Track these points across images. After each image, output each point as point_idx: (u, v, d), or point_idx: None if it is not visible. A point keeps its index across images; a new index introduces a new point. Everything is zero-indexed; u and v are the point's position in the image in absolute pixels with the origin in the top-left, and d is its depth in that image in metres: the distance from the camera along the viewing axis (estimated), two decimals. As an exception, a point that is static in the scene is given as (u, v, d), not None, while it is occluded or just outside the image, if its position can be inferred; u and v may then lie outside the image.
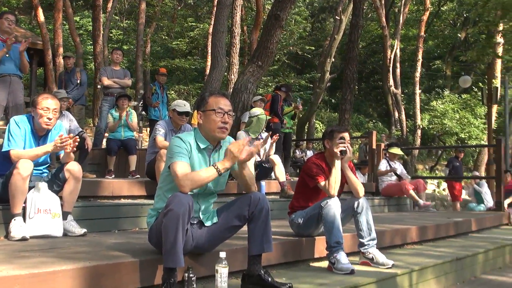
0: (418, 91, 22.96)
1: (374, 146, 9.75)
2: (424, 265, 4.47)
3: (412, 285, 4.25)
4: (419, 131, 22.45)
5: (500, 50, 17.14)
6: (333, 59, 21.51)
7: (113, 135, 7.69)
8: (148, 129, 11.82)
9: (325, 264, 4.23)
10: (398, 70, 23.40)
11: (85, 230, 4.12)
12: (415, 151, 21.86)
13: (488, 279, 5.22)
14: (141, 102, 10.78)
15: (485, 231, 7.53)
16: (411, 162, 21.02)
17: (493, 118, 18.61)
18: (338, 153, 4.25)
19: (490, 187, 12.62)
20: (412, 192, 8.51)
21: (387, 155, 8.99)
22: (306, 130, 22.76)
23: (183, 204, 2.87)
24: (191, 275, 3.05)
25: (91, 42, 23.10)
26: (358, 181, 4.40)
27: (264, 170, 6.73)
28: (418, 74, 22.96)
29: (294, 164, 14.27)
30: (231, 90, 10.74)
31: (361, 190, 4.34)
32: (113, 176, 7.21)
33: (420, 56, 22.89)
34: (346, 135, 4.35)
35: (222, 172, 3.08)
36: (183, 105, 5.89)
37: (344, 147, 4.26)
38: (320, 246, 4.36)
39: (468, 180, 13.53)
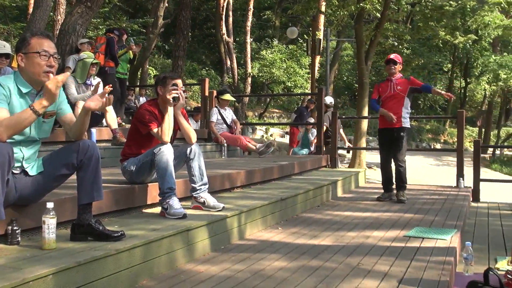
0: (249, 40, 23.57)
1: (206, 93, 9.87)
2: (251, 207, 4.72)
3: (241, 226, 4.48)
4: (249, 79, 23.21)
5: (323, 6, 18.13)
6: (167, 4, 21.04)
7: None
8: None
9: (158, 210, 4.27)
10: (230, 19, 23.71)
11: None
12: (246, 98, 22.63)
13: (308, 217, 5.69)
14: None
15: (306, 173, 8.14)
16: (242, 109, 21.75)
17: (316, 68, 19.87)
18: (171, 99, 4.23)
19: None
20: (249, 145, 8.75)
21: (219, 102, 9.12)
22: (139, 76, 22.22)
23: (1, 153, 2.64)
24: (15, 228, 2.87)
25: None
26: (190, 127, 4.45)
27: (94, 117, 6.46)
28: (249, 24, 23.53)
29: (127, 111, 13.92)
30: (58, 32, 10.01)
31: (193, 137, 4.40)
32: None
33: (251, 6, 23.39)
34: (179, 81, 4.34)
35: (40, 113, 2.83)
36: (3, 46, 5.41)
37: (177, 93, 4.26)
38: (153, 192, 4.37)
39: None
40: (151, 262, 3.27)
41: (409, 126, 6.76)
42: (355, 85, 25.89)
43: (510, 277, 3.15)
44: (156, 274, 3.30)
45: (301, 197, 5.93)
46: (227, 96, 9.14)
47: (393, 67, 6.68)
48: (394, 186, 6.90)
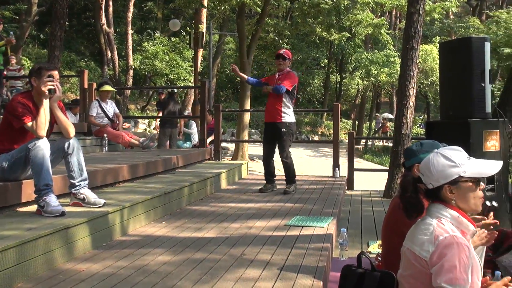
0: (130, 31, 22.97)
1: (86, 86, 9.49)
2: (134, 201, 4.63)
3: (124, 221, 4.38)
4: (131, 71, 22.65)
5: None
6: (41, -9, 19.87)
7: None
8: None
9: (33, 208, 4.03)
10: (110, 9, 22.95)
11: None
12: (127, 91, 22.07)
13: (193, 209, 5.69)
14: None
15: (190, 166, 8.12)
16: (124, 102, 21.19)
17: (199, 61, 19.85)
18: (46, 91, 4.01)
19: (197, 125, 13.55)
20: (132, 140, 8.51)
21: (100, 95, 8.79)
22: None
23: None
24: None
25: None
26: (68, 121, 4.25)
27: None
28: (130, 14, 22.92)
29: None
30: None
31: (71, 131, 4.20)
32: None
33: (132, -4, 22.80)
34: (55, 73, 4.12)
35: None
36: None
37: (53, 85, 4.04)
38: (28, 189, 4.12)
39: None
40: (27, 263, 3.09)
41: (292, 121, 6.81)
42: (238, 79, 26.24)
43: (380, 259, 3.39)
44: (33, 276, 3.13)
45: (185, 190, 5.91)
46: (107, 87, 8.81)
47: (282, 63, 6.76)
48: (275, 178, 7.08)
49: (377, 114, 30.07)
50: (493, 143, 4.73)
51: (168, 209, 5.38)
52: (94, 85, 9.33)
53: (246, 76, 7.29)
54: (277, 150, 6.90)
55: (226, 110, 19.83)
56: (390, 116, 26.29)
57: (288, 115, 6.74)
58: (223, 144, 15.53)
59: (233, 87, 32.78)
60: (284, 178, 6.94)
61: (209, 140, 10.48)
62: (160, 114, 12.57)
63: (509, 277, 2.10)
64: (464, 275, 1.89)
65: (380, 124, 27.34)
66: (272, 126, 6.78)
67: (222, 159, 11.09)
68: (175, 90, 12.82)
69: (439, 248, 1.93)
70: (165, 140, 11.78)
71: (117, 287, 3.01)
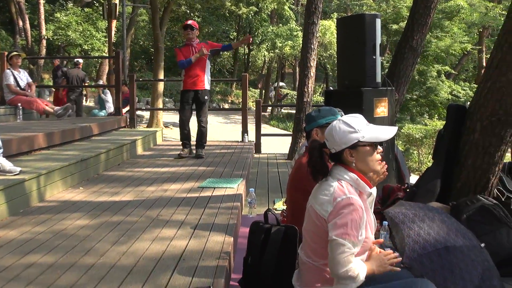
0: (42, 0, 21.52)
1: (-3, 55, 8.81)
2: (51, 168, 4.42)
3: (40, 188, 4.18)
4: (44, 41, 21.32)
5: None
6: None
7: None
8: None
9: None
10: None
11: None
12: (41, 61, 20.81)
13: (110, 175, 5.53)
14: None
15: (106, 133, 7.85)
16: (38, 72, 20.00)
17: (113, 32, 19.04)
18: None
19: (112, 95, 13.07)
20: (47, 108, 8.05)
21: (11, 64, 8.20)
22: None
23: None
24: None
25: None
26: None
27: None
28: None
29: None
30: None
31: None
32: None
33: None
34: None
35: None
36: None
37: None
38: None
39: (94, 89, 13.67)
40: None
41: (209, 89, 6.80)
42: (151, 49, 25.45)
43: (285, 214, 3.50)
44: None
45: (102, 157, 5.72)
46: (16, 53, 8.20)
47: (190, 32, 6.63)
48: (192, 143, 7.01)
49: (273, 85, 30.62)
50: (382, 109, 4.96)
51: (85, 175, 5.20)
52: (6, 54, 8.67)
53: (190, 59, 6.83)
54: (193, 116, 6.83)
55: (141, 80, 19.26)
56: (282, 84, 27.01)
57: (208, 83, 6.75)
58: (138, 112, 15.11)
59: (147, 58, 31.83)
60: (195, 142, 6.91)
61: (124, 110, 10.16)
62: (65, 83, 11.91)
63: (391, 252, 2.19)
64: (354, 232, 1.99)
65: (273, 92, 28.41)
66: (195, 93, 6.64)
67: (138, 127, 10.82)
68: (80, 60, 12.20)
69: (336, 208, 2.01)
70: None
71: (35, 252, 2.89)
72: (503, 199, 4.02)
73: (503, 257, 3.25)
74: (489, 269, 2.80)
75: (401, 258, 2.27)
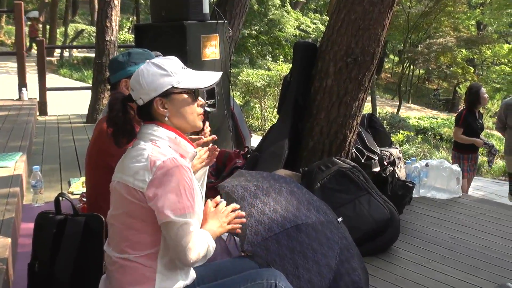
0: None
1: None
2: None
3: None
4: None
5: None
6: None
7: None
8: None
9: None
10: None
11: None
12: None
13: None
14: None
15: None
16: None
17: None
18: None
19: None
20: None
21: None
22: None
23: None
24: None
25: None
26: None
27: None
28: None
29: None
30: None
31: None
32: None
33: None
34: None
35: None
36: None
37: None
38: None
39: None
40: None
41: None
42: None
43: (85, 200, 3.41)
44: None
45: None
46: None
47: None
48: None
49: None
50: (212, 50, 5.06)
51: None
52: None
53: None
54: None
55: None
56: (35, 14, 24.60)
57: None
58: None
59: None
60: None
61: None
62: None
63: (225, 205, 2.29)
64: (190, 202, 2.03)
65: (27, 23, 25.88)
66: None
67: None
68: None
69: (158, 175, 2.00)
70: None
71: None
72: (363, 160, 4.42)
73: (364, 231, 3.60)
74: (348, 248, 3.07)
75: (239, 206, 2.38)
